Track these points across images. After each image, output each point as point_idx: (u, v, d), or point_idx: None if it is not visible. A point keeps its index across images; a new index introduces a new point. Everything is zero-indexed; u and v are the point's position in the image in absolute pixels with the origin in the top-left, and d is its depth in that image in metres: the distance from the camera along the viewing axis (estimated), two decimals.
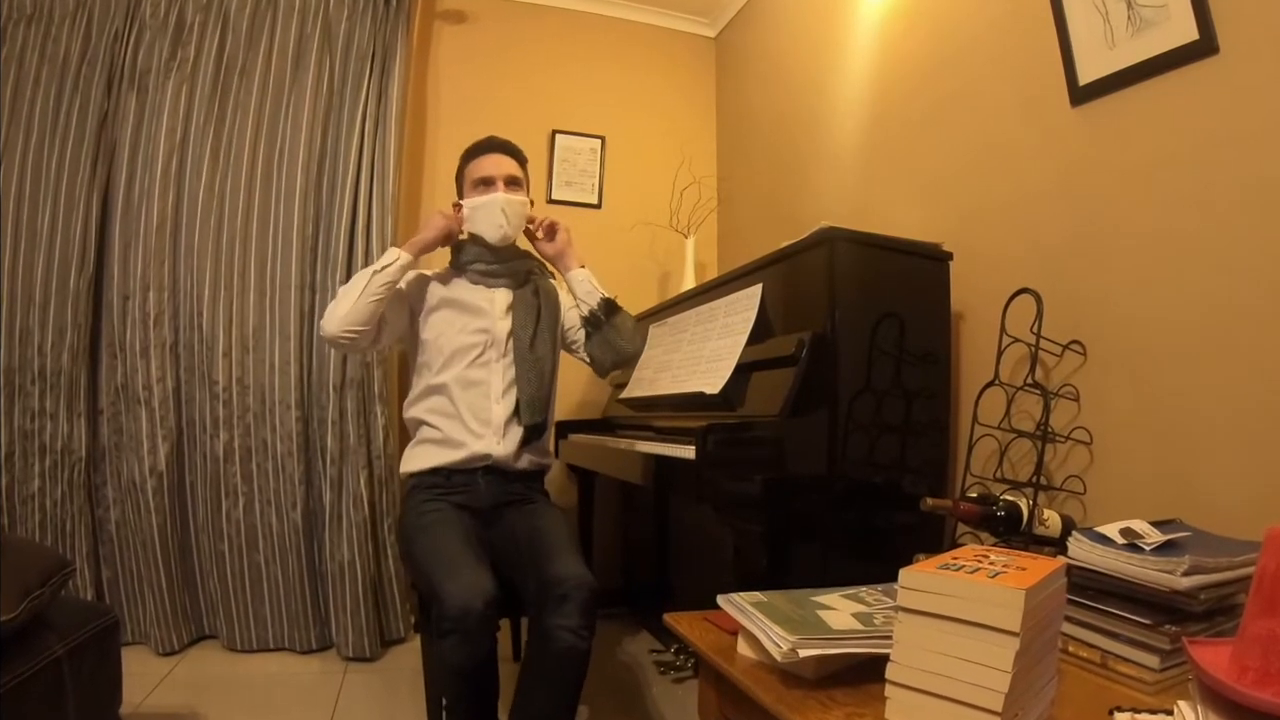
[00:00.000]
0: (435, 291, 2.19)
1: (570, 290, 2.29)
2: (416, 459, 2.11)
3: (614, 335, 2.21)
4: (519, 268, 2.25)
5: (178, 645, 2.90)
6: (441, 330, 2.14)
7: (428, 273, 2.26)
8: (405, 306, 2.19)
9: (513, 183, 2.19)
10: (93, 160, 2.90)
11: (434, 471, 2.07)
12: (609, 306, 2.23)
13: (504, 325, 2.16)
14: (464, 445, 2.06)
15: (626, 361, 2.29)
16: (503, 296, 2.21)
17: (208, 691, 2.58)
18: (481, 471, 2.08)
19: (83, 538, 2.87)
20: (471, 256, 2.22)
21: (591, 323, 2.23)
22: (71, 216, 2.87)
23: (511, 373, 2.13)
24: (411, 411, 2.18)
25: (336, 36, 3.17)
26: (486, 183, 2.17)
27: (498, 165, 2.18)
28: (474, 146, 2.25)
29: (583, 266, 2.28)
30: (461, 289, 2.20)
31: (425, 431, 2.13)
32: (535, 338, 2.15)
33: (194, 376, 3.00)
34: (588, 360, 2.30)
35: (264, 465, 3.00)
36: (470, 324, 2.14)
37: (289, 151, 3.08)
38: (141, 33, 2.99)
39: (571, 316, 2.32)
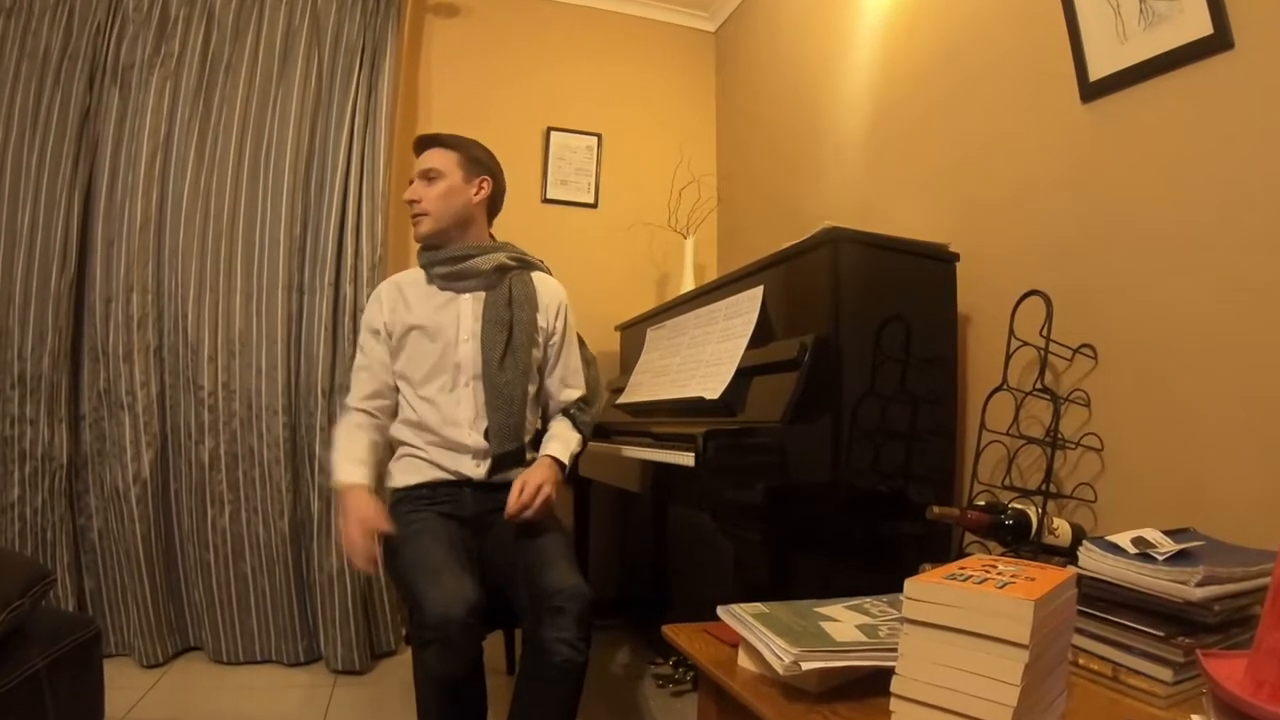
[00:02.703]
0: (402, 314, 2.13)
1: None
2: (400, 474, 2.10)
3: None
4: (487, 264, 2.14)
5: (162, 657, 2.89)
6: (410, 358, 2.11)
7: (399, 280, 2.22)
8: (386, 346, 2.15)
9: (425, 176, 2.13)
10: (74, 158, 2.89)
11: (418, 485, 2.07)
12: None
13: (469, 348, 2.10)
14: (445, 467, 2.06)
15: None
16: (470, 308, 2.13)
17: (193, 705, 2.58)
18: (466, 484, 2.07)
19: (64, 547, 2.86)
20: (430, 259, 2.17)
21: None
22: (52, 216, 2.87)
23: (482, 397, 2.09)
24: (395, 430, 2.16)
25: (325, 30, 3.17)
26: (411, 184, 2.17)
27: (418, 164, 2.16)
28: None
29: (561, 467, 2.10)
30: (427, 304, 2.14)
31: (407, 449, 2.12)
32: (505, 358, 2.08)
33: (178, 381, 3.00)
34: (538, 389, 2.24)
35: (250, 472, 3.00)
36: (435, 350, 2.09)
37: (276, 149, 3.09)
38: (124, 27, 2.99)
39: (548, 368, 2.25)
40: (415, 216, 2.14)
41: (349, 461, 1.99)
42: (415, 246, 3.09)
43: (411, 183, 2.15)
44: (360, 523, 1.84)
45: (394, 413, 2.17)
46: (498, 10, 3.76)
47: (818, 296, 2.05)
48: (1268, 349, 1.49)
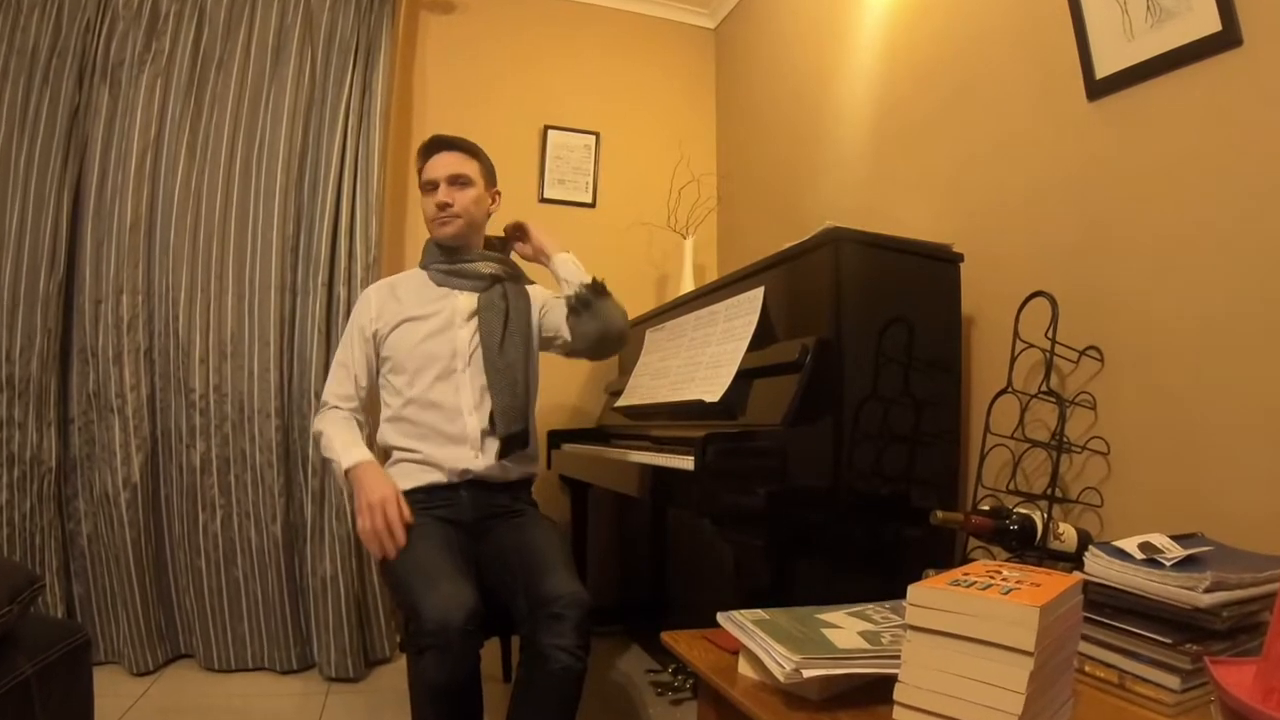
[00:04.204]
0: (392, 311, 2.18)
1: (555, 275, 2.26)
2: (395, 480, 2.10)
3: (602, 313, 2.17)
4: (487, 269, 2.22)
5: (152, 665, 2.89)
6: (401, 348, 2.14)
7: (393, 281, 2.28)
8: (370, 345, 2.19)
9: (456, 181, 2.18)
10: (63, 157, 2.89)
11: (414, 490, 2.07)
12: (597, 287, 2.19)
13: (465, 333, 2.16)
14: (442, 464, 2.07)
15: (612, 341, 2.21)
16: (465, 301, 2.20)
17: (183, 714, 2.57)
18: (463, 485, 2.08)
19: (53, 552, 2.86)
20: (433, 257, 2.25)
21: (579, 303, 2.18)
22: (41, 216, 2.87)
23: (482, 381, 2.13)
24: (383, 435, 2.17)
25: (318, 27, 3.17)
26: (429, 186, 2.20)
27: (439, 165, 2.19)
28: (421, 148, 2.25)
29: (567, 252, 2.28)
30: (422, 297, 2.20)
31: (400, 454, 2.13)
32: (504, 342, 2.14)
33: (169, 384, 2.99)
34: (569, 344, 2.25)
35: (242, 477, 2.99)
36: (430, 338, 2.14)
37: (268, 148, 3.08)
38: (114, 23, 2.99)
39: (552, 313, 2.29)
40: (446, 219, 2.18)
41: (350, 445, 2.02)
42: (410, 247, 3.10)
43: (434, 185, 2.18)
44: (383, 502, 1.85)
45: (366, 411, 2.20)
46: (494, 6, 3.76)
47: (819, 297, 2.04)
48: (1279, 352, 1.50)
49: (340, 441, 2.03)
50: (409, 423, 2.11)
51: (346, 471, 1.96)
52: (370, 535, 1.85)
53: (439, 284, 2.22)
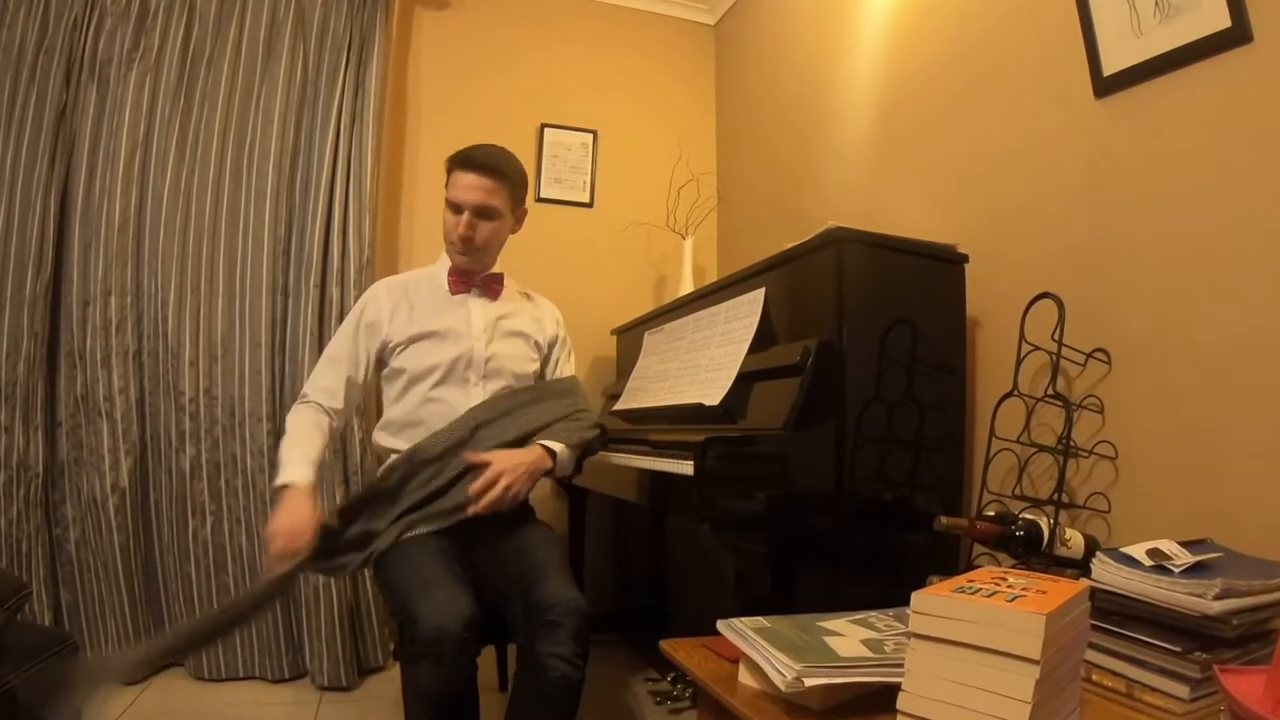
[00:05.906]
0: (404, 321, 2.15)
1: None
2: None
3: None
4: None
5: (141, 673, 2.88)
6: (413, 354, 2.12)
7: (400, 281, 2.26)
8: (374, 342, 2.15)
9: (483, 213, 2.12)
10: (50, 157, 2.88)
11: None
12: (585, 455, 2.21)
13: (481, 346, 2.15)
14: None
15: None
16: (479, 311, 2.19)
17: None
18: None
19: (40, 558, 2.84)
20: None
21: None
22: (27, 216, 2.86)
23: (496, 394, 2.14)
24: (382, 439, 2.16)
25: (310, 24, 3.18)
26: (454, 209, 2.13)
27: (470, 190, 2.10)
28: (459, 154, 2.14)
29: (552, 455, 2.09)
30: (437, 306, 2.18)
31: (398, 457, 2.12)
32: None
33: (158, 387, 2.99)
34: None
35: (233, 482, 2.99)
36: (444, 345, 2.12)
37: (260, 147, 3.08)
38: (102, 20, 2.99)
39: (552, 367, 2.34)
40: (464, 249, 2.15)
41: (301, 461, 1.95)
42: (404, 248, 3.10)
43: (459, 209, 2.11)
44: (287, 536, 1.80)
45: (345, 415, 2.17)
46: (490, 3, 3.77)
47: (821, 299, 2.05)
48: None
49: (290, 452, 1.97)
50: (410, 429, 2.10)
51: (277, 488, 1.93)
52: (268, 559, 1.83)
53: (454, 291, 2.20)
